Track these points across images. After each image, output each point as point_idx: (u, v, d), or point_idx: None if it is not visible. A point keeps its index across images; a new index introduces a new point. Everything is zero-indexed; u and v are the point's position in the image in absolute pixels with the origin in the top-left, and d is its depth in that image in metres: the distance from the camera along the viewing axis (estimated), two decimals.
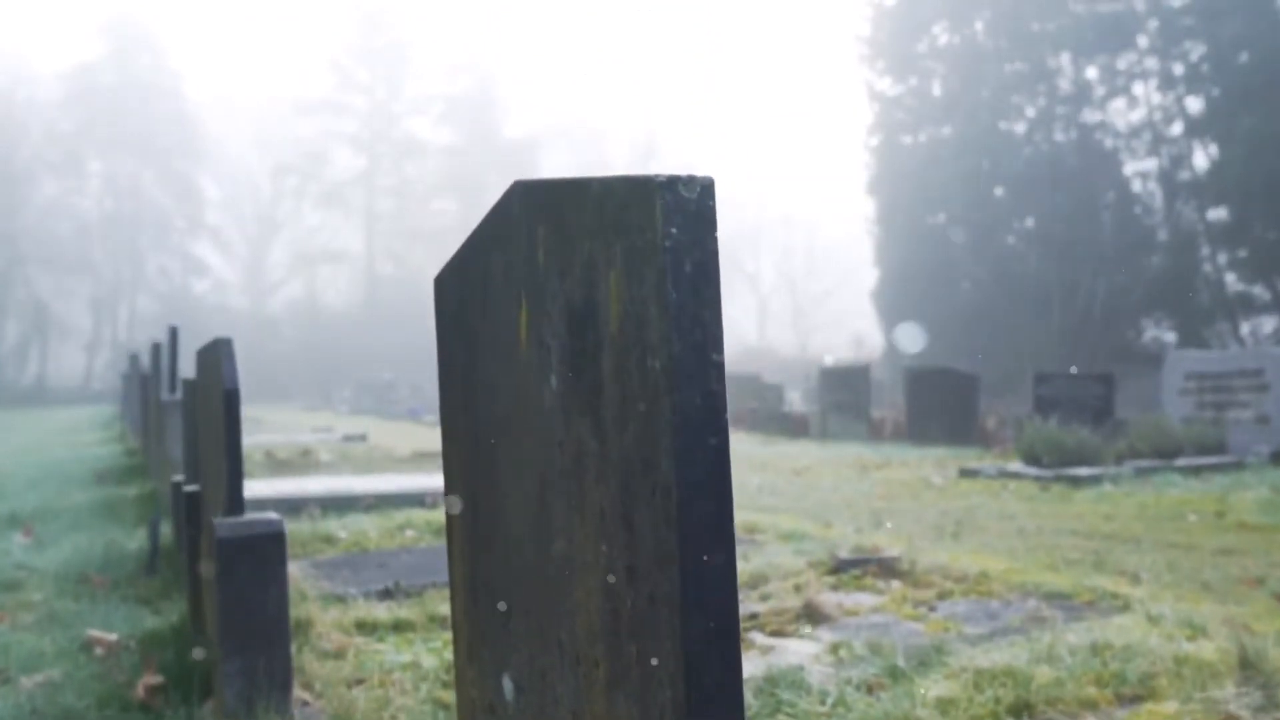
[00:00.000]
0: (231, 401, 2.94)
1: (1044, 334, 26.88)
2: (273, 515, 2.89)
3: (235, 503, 2.90)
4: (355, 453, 13.03)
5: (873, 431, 14.60)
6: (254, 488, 7.68)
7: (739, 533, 6.49)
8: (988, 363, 24.94)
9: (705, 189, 1.06)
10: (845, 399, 15.26)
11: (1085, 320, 26.39)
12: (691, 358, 1.06)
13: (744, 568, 5.19)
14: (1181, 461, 9.33)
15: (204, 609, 3.93)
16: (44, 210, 53.16)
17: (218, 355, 3.09)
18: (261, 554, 2.76)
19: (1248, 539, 6.13)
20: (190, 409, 4.74)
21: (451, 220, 61.09)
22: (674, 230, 1.05)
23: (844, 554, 5.24)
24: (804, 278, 64.32)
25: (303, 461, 11.45)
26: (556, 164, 61.69)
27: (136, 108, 53.52)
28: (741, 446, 14.07)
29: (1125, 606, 4.28)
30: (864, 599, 4.62)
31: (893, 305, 31.23)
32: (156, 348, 9.20)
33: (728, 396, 1.05)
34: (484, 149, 59.24)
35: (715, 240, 1.07)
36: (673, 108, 78.39)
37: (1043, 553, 5.78)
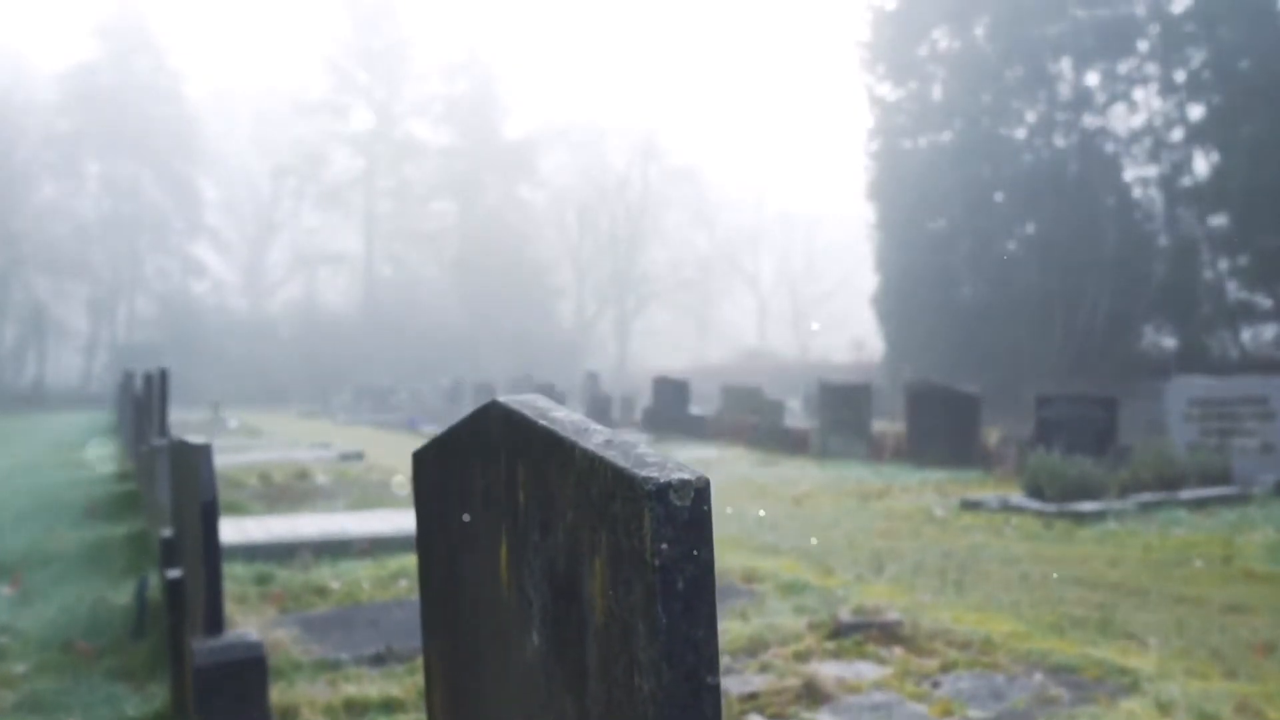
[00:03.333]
0: (209, 513, 2.84)
1: (1045, 341, 26.77)
2: (253, 636, 2.78)
3: (214, 621, 2.80)
4: (352, 473, 12.93)
5: (873, 451, 14.49)
6: (247, 528, 7.57)
7: (738, 581, 6.37)
8: (988, 371, 24.82)
9: (699, 493, 0.96)
10: (846, 416, 15.16)
11: (1087, 328, 26.28)
12: (683, 687, 0.95)
13: (743, 630, 5.08)
14: (1186, 494, 9.23)
15: (186, 695, 3.83)
16: (42, 212, 53.00)
17: (196, 461, 2.98)
18: (241, 682, 2.65)
19: (1256, 591, 6.02)
20: (175, 475, 4.63)
21: (451, 221, 60.93)
22: (664, 546, 0.94)
23: (845, 616, 5.13)
24: (804, 279, 64.11)
25: (299, 486, 11.35)
26: (556, 164, 61.44)
27: (135, 109, 53.33)
28: (741, 466, 13.97)
29: (1134, 685, 4.18)
30: (866, 670, 4.52)
31: (893, 311, 31.12)
32: (149, 380, 9.10)
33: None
34: (483, 149, 59.07)
35: (710, 549, 0.96)
36: (672, 108, 78.20)
37: (1047, 608, 5.68)
